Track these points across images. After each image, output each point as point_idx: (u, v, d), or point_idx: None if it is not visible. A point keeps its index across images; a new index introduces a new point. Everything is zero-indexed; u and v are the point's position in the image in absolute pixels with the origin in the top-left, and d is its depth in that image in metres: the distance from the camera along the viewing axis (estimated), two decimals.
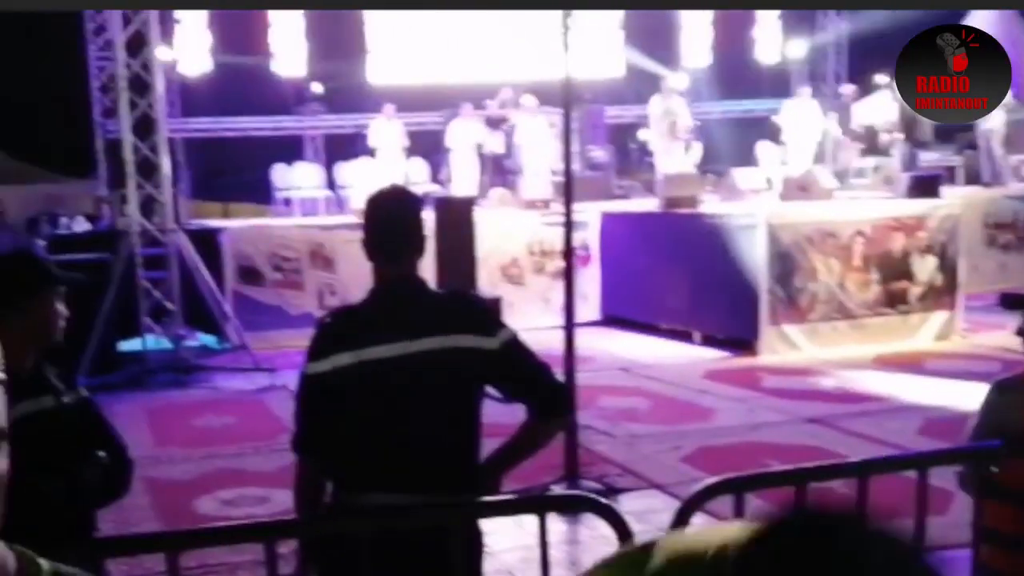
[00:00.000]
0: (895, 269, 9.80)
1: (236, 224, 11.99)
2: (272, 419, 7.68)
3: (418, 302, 2.68)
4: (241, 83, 14.58)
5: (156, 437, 7.48)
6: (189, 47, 14.60)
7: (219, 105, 14.59)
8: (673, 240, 10.73)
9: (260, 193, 14.31)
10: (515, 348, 2.68)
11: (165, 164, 10.11)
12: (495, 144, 13.74)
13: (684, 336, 10.28)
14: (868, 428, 6.98)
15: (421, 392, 2.58)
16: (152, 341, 9.65)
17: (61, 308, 2.70)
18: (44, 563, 1.16)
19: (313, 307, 10.33)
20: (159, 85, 10.17)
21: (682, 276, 10.20)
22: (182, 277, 9.80)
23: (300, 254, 10.90)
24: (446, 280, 7.51)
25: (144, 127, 10.07)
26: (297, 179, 14.72)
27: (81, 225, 12.15)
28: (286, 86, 15.34)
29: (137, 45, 10.17)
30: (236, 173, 14.44)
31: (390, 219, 2.69)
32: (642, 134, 14.89)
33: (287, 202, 14.36)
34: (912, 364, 9.02)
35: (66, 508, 2.57)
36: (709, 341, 10.01)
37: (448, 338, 2.60)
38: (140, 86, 10.13)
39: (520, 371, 2.70)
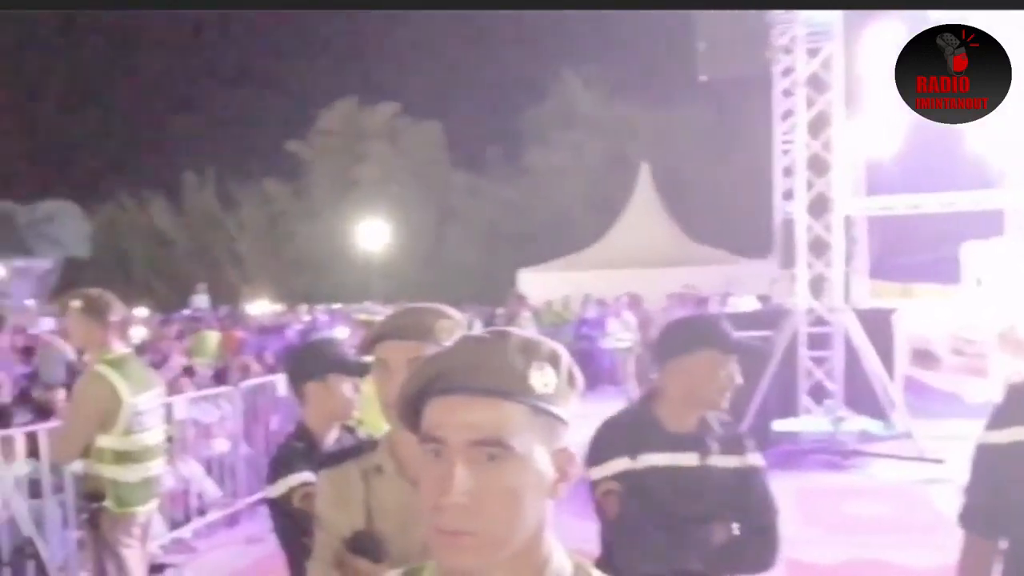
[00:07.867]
0: None
1: (912, 304, 11.25)
2: (933, 514, 7.17)
3: None
4: (932, 158, 13.76)
5: (804, 517, 7.27)
6: (878, 125, 14.25)
7: (906, 182, 13.95)
8: None
9: (947, 273, 13.29)
10: None
11: (838, 243, 9.87)
12: None
13: None
14: None
15: None
16: (809, 421, 9.41)
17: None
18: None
19: (997, 396, 9.16)
20: (838, 164, 10.00)
21: None
22: (847, 358, 9.42)
23: (988, 338, 9.82)
24: None
25: (819, 206, 9.99)
26: (994, 257, 13.35)
27: (750, 304, 12.42)
28: (985, 158, 14.12)
29: (820, 125, 10.15)
30: (920, 252, 13.63)
31: None
32: None
33: (979, 282, 13.08)
34: None
35: (674, 563, 2.50)
36: None
37: None
38: (819, 166, 10.08)
39: None
